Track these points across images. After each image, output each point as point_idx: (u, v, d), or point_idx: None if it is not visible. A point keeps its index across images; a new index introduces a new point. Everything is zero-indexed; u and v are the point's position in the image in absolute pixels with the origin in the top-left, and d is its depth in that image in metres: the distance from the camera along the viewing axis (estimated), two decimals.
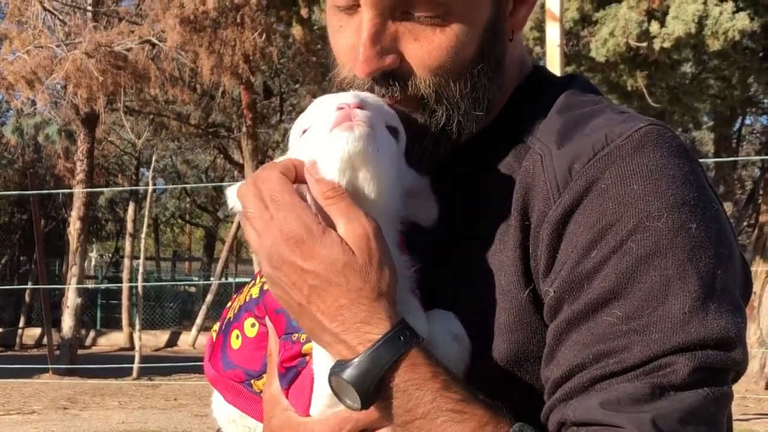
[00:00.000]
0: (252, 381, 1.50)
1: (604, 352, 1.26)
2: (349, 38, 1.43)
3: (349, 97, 1.32)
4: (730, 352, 1.25)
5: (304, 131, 1.36)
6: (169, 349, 25.26)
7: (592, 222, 1.30)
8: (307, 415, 1.38)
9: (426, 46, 1.39)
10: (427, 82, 1.41)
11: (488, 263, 1.41)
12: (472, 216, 1.46)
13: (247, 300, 1.51)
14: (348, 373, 1.25)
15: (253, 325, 1.49)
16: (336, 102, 1.32)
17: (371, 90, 1.42)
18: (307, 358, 1.38)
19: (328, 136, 1.29)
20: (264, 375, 1.47)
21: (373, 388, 1.25)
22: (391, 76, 1.41)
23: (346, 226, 1.27)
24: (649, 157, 1.31)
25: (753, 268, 15.98)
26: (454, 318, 1.39)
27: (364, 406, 1.27)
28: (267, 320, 1.46)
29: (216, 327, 1.58)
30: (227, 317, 1.54)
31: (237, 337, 1.51)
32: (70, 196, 21.67)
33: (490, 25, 1.43)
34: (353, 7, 1.41)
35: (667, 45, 12.34)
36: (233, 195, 1.38)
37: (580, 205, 1.31)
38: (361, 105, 1.30)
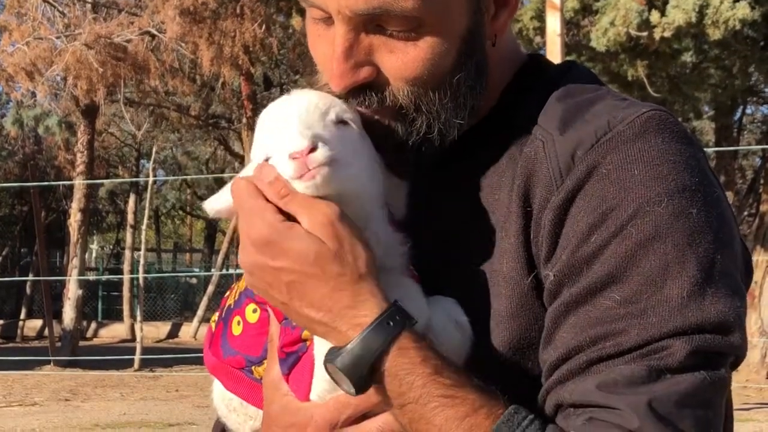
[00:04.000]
0: (253, 367, 1.50)
1: (602, 334, 1.26)
2: (327, 48, 1.42)
3: (298, 139, 1.30)
4: (728, 336, 1.26)
5: (267, 159, 1.36)
6: (170, 340, 25.29)
7: (593, 206, 1.30)
8: (307, 400, 1.38)
9: (402, 59, 1.38)
10: (405, 92, 1.39)
11: (490, 250, 1.41)
12: (473, 203, 1.46)
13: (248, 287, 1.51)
14: (340, 360, 1.27)
15: (254, 311, 1.49)
16: (287, 147, 1.31)
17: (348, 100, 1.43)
18: (308, 342, 1.39)
19: (295, 183, 1.30)
20: (265, 361, 1.47)
21: (365, 374, 1.27)
22: (368, 88, 1.40)
23: (309, 218, 1.29)
24: (651, 143, 1.31)
25: (754, 258, 15.94)
26: (456, 305, 1.40)
27: (359, 391, 1.28)
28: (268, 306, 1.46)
29: (215, 317, 1.58)
30: (228, 304, 1.55)
31: (238, 323, 1.51)
32: (71, 187, 21.67)
33: (468, 34, 1.41)
34: (329, 19, 1.40)
35: (667, 34, 12.33)
36: (211, 207, 1.44)
37: (582, 189, 1.31)
38: (314, 146, 1.29)
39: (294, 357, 1.40)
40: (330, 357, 1.28)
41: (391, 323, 1.26)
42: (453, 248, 1.46)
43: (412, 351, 1.26)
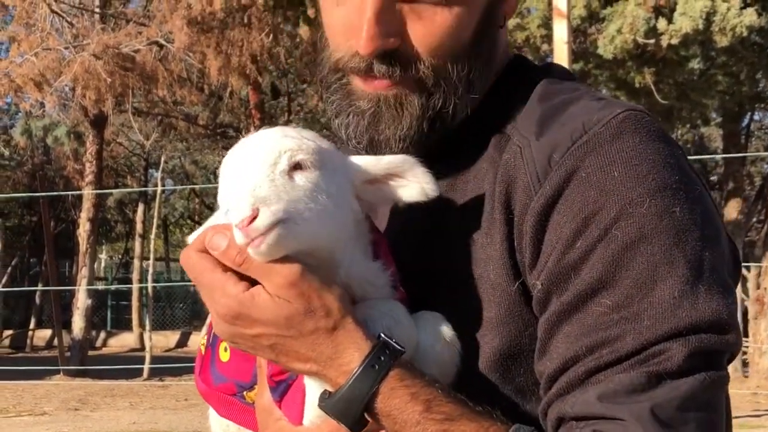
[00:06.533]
0: (244, 393, 1.49)
1: (597, 342, 1.25)
2: (349, 16, 1.42)
3: (241, 205, 1.24)
4: (724, 334, 1.25)
5: (227, 211, 1.31)
6: (179, 349, 25.30)
7: (575, 212, 1.29)
8: (301, 424, 1.38)
9: (429, 26, 1.39)
10: (426, 63, 1.40)
11: (476, 258, 1.40)
12: (457, 211, 1.45)
13: None
14: (332, 405, 1.28)
15: None
16: (232, 213, 1.26)
17: (370, 68, 1.41)
18: None
19: (249, 249, 1.26)
20: (255, 386, 1.46)
21: (358, 417, 1.27)
22: (392, 57, 1.40)
23: (270, 283, 1.27)
24: (628, 143, 1.30)
25: (763, 264, 15.92)
26: (442, 320, 1.38)
27: (355, 431, 1.29)
28: None
29: (203, 340, 1.56)
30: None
31: (225, 349, 1.49)
32: (80, 197, 21.74)
33: (487, 7, 1.44)
34: None
35: (674, 41, 12.31)
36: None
37: (562, 195, 1.31)
38: (256, 212, 1.23)
39: (284, 385, 1.40)
40: (323, 402, 1.29)
41: (377, 366, 1.26)
42: (438, 256, 1.45)
43: (400, 390, 1.26)
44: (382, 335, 1.29)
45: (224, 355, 1.50)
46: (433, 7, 1.39)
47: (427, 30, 1.40)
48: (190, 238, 1.39)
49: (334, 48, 1.47)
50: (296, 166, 1.30)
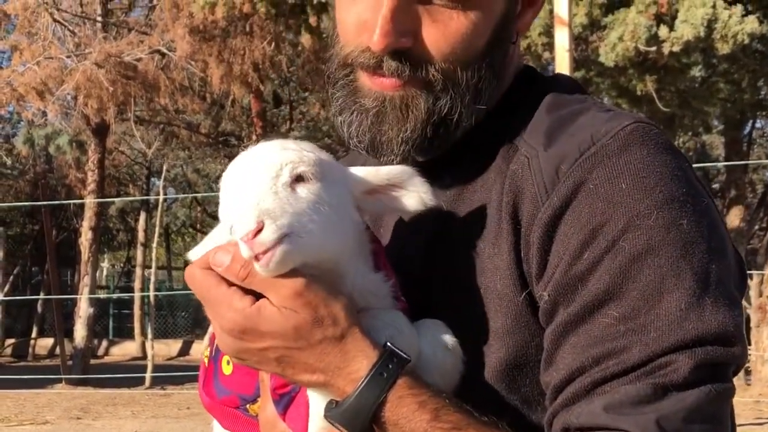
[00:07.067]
0: (247, 406, 1.49)
1: (604, 353, 1.25)
2: (364, 12, 1.42)
3: (245, 219, 1.24)
4: (730, 346, 1.25)
5: (231, 227, 1.29)
6: (181, 358, 25.27)
7: (583, 223, 1.29)
8: None
9: (442, 29, 1.40)
10: (437, 67, 1.41)
11: (483, 268, 1.40)
12: (464, 221, 1.45)
13: None
14: (339, 415, 1.27)
15: None
16: (236, 227, 1.25)
17: (379, 65, 1.41)
18: None
19: (254, 263, 1.25)
20: (259, 399, 1.46)
21: (365, 426, 1.26)
22: (404, 56, 1.40)
23: (276, 295, 1.27)
24: (635, 155, 1.31)
25: (766, 272, 15.89)
26: (444, 327, 1.38)
27: None
28: None
29: (206, 352, 1.56)
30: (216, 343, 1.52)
31: (228, 362, 1.49)
32: (82, 206, 21.72)
33: (502, 20, 1.44)
34: None
35: (676, 49, 12.30)
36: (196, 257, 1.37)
37: (570, 206, 1.31)
38: (261, 225, 1.23)
39: (287, 398, 1.39)
40: (329, 411, 1.28)
41: (385, 374, 1.26)
42: (445, 265, 1.45)
43: (408, 398, 1.26)
44: (389, 344, 1.28)
45: (227, 368, 1.50)
46: (449, 11, 1.40)
47: (440, 33, 1.40)
48: (192, 255, 1.39)
49: (344, 43, 1.47)
50: (298, 179, 1.30)
